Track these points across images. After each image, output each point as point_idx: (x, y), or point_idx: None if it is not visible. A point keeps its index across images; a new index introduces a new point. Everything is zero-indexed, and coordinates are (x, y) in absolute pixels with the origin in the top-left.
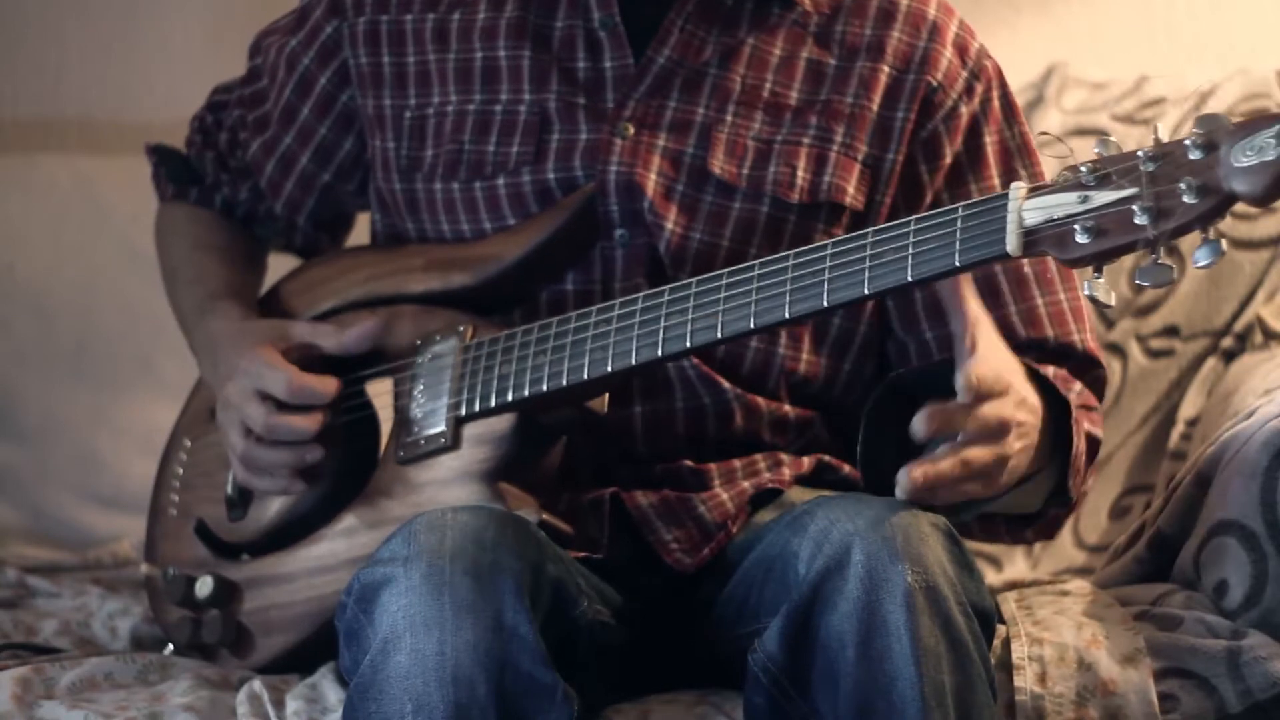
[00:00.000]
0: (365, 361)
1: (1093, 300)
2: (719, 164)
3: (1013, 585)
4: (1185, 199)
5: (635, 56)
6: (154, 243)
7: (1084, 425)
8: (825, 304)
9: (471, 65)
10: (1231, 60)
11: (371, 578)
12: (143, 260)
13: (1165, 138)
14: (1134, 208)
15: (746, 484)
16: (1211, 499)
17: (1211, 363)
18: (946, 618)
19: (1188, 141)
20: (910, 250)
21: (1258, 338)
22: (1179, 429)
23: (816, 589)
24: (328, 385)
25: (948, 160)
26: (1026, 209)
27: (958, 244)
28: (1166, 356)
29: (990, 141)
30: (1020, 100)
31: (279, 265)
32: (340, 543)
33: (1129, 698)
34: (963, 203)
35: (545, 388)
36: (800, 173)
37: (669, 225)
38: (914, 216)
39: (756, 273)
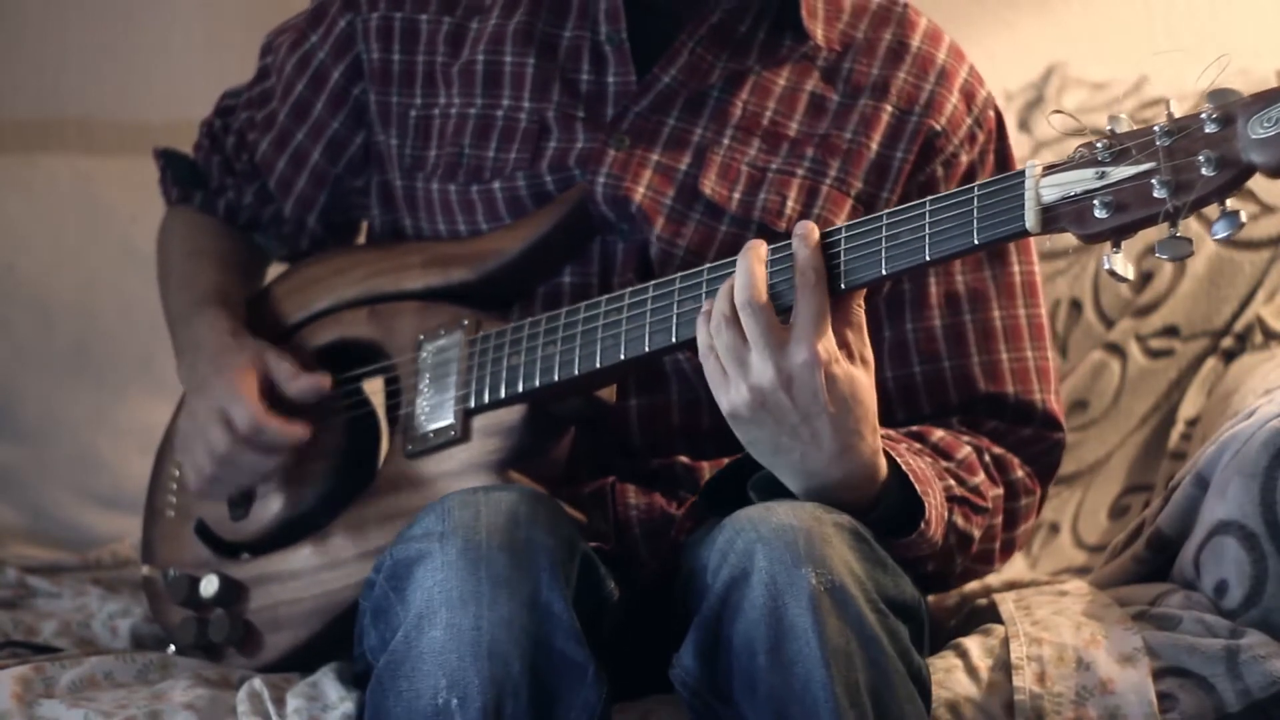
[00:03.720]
0: (365, 358)
1: (1111, 274)
2: (710, 185)
3: (1011, 585)
4: (1204, 171)
5: (639, 73)
6: (155, 245)
7: (956, 518)
8: (843, 286)
9: (474, 69)
10: (1231, 60)
11: (405, 554)
12: (143, 260)
13: (1177, 114)
14: (1153, 181)
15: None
16: (1211, 499)
17: (1211, 363)
18: (857, 616)
19: (1203, 115)
20: (927, 230)
21: (1258, 338)
22: (1179, 429)
23: (724, 599)
24: (290, 431)
25: None
26: (1044, 186)
27: (975, 222)
28: (1166, 356)
29: None
30: (1020, 100)
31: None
32: (349, 538)
33: (1128, 697)
34: (978, 183)
35: (557, 377)
36: (790, 202)
37: (654, 234)
38: (929, 198)
39: (771, 257)
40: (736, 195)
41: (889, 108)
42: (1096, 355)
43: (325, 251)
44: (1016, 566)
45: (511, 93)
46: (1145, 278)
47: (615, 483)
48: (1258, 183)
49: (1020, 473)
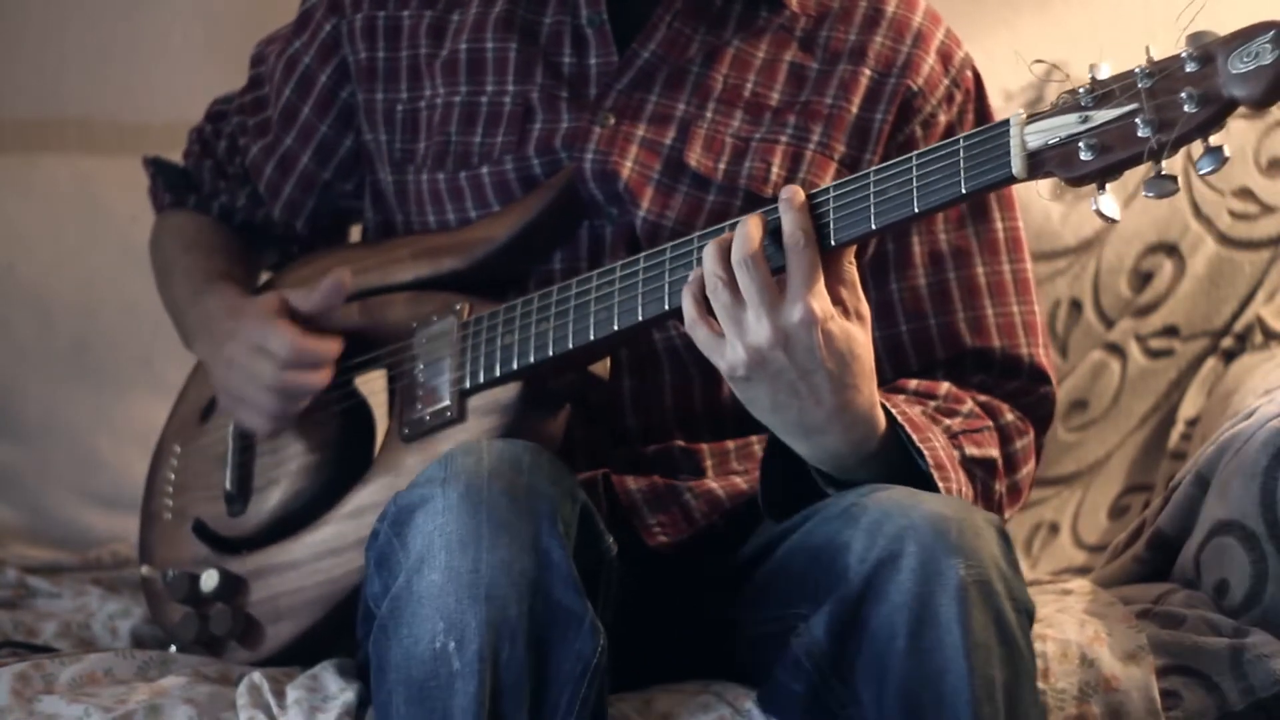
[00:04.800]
0: (360, 349)
1: (1099, 215)
2: (695, 157)
3: None
4: (1186, 109)
5: (620, 54)
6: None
7: (970, 450)
8: (833, 243)
9: (458, 58)
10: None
11: (408, 500)
12: (143, 260)
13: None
14: (1136, 121)
15: (739, 468)
16: (1211, 499)
17: (1211, 363)
18: (998, 612)
19: (1183, 55)
20: (914, 183)
21: (1258, 338)
22: (1179, 429)
23: (869, 580)
24: (329, 346)
25: None
26: (1029, 133)
27: (962, 172)
28: (1166, 356)
29: None
30: (1020, 100)
31: None
32: (348, 525)
33: (1131, 694)
34: (962, 134)
35: (551, 352)
36: (775, 169)
37: (643, 210)
38: (915, 152)
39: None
40: (722, 166)
41: (867, 71)
42: (1096, 355)
43: (314, 253)
44: None
45: (495, 78)
46: (1145, 278)
47: (609, 474)
48: (1258, 183)
49: (1010, 416)
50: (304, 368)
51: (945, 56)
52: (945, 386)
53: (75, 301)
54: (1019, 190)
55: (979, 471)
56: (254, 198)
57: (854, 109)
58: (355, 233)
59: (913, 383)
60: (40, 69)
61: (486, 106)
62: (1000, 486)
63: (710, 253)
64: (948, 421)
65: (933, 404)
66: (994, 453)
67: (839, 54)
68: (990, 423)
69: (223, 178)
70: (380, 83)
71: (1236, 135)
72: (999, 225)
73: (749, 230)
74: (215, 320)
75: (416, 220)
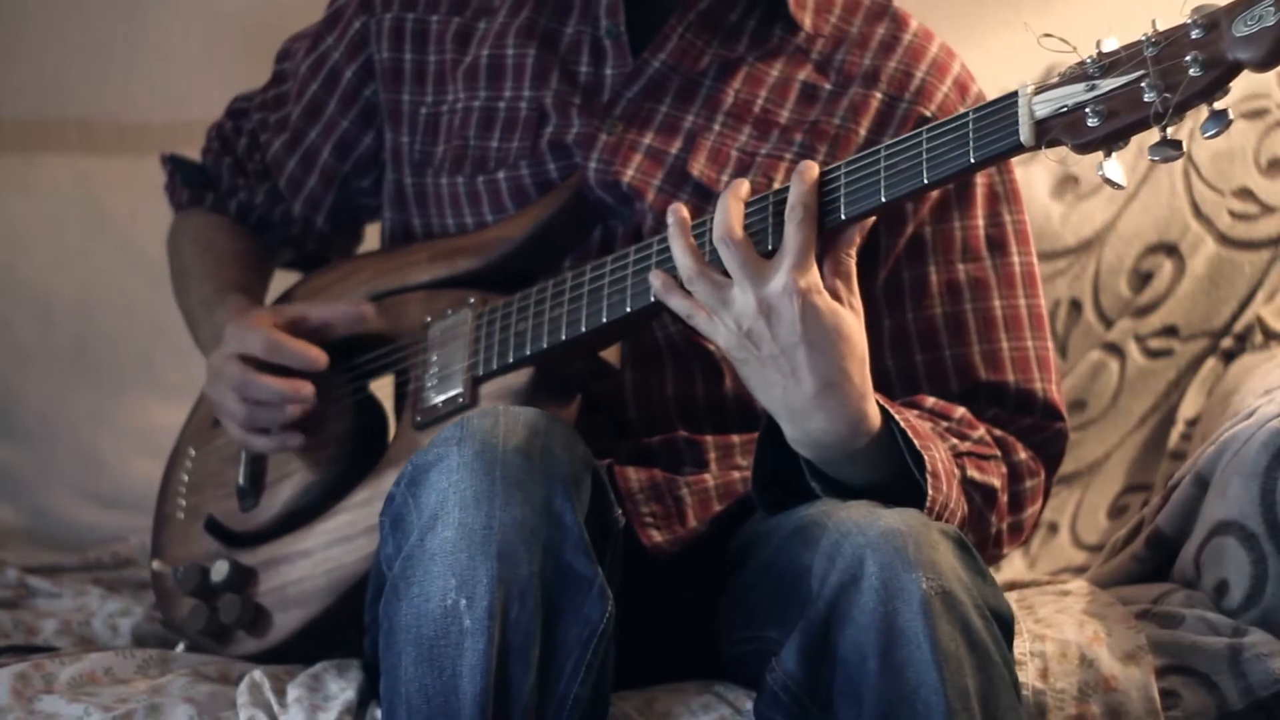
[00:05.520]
0: (375, 345)
1: (1106, 180)
2: (698, 168)
3: (1011, 585)
4: (1191, 73)
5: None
6: (165, 248)
7: (971, 473)
8: (844, 216)
9: (479, 64)
10: None
11: (423, 459)
12: (143, 260)
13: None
14: (1142, 85)
15: (743, 463)
16: (1211, 499)
17: (1211, 363)
18: (965, 622)
19: (1189, 23)
20: (924, 155)
21: (1258, 338)
22: (1179, 429)
23: (833, 605)
24: (308, 350)
25: (935, 192)
26: (1036, 103)
27: (971, 142)
28: (1165, 356)
29: (980, 183)
30: None
31: (280, 283)
32: (359, 513)
33: (1130, 694)
34: (972, 108)
35: (564, 336)
36: (776, 184)
37: (647, 206)
38: (925, 126)
39: (771, 200)
40: (724, 178)
41: (878, 94)
42: (1095, 355)
43: (334, 262)
44: (1015, 566)
45: (513, 84)
46: (1145, 278)
47: (613, 464)
48: (1258, 183)
49: (1023, 454)
50: (276, 366)
51: (962, 87)
52: (961, 411)
53: (75, 301)
54: (1021, 190)
55: (976, 496)
56: (273, 194)
57: (862, 131)
58: (371, 231)
59: (929, 400)
60: (40, 69)
61: (504, 112)
62: (1000, 523)
63: (678, 250)
64: (954, 441)
65: (944, 424)
66: (996, 482)
67: (852, 77)
68: (999, 453)
69: (241, 174)
70: (406, 85)
71: (1237, 135)
72: (1016, 259)
73: (729, 210)
74: (222, 334)
75: (436, 223)
